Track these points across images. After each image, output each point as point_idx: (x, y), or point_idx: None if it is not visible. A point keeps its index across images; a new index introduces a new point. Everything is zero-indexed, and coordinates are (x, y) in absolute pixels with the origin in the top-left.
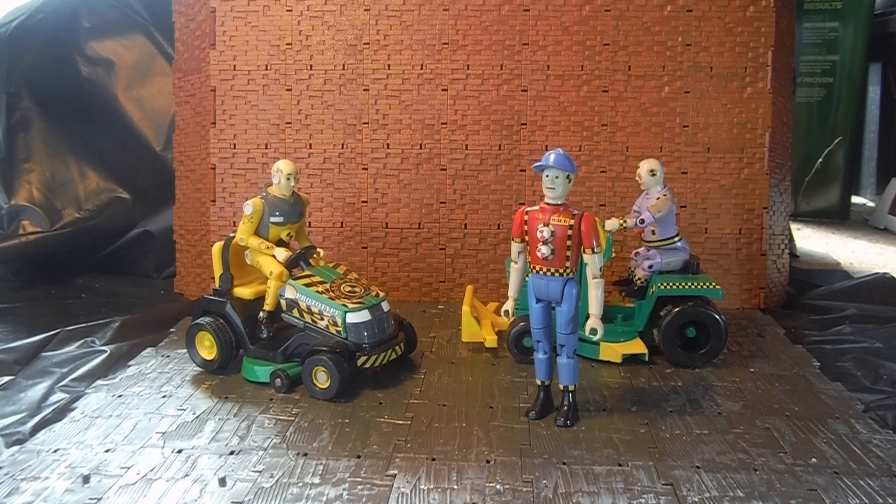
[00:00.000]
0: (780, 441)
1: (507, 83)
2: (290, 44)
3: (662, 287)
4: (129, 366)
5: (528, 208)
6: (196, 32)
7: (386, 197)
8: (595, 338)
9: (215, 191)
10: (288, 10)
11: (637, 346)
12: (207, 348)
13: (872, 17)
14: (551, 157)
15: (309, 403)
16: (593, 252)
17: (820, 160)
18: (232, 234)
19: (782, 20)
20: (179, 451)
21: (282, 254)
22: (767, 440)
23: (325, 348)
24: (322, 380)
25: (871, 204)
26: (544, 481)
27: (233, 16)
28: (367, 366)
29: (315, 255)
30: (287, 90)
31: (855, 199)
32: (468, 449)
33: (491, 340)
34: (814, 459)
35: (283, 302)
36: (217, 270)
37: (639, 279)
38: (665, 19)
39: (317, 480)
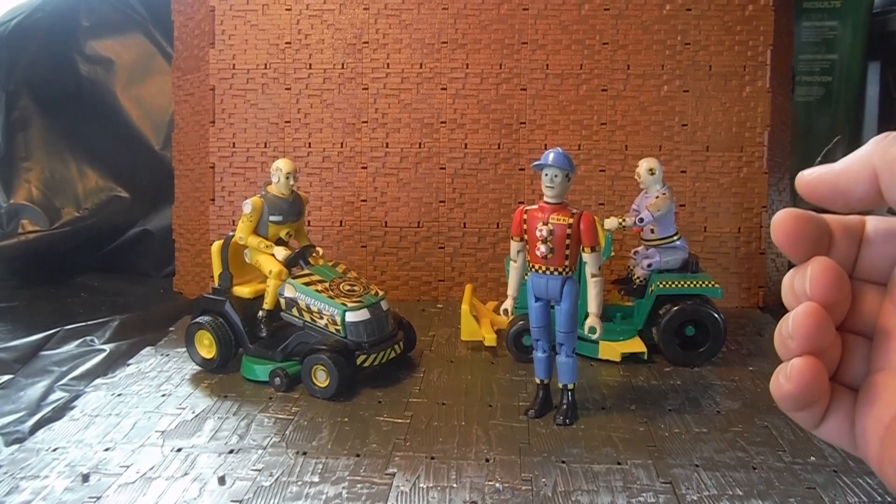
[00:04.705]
0: (778, 439)
1: (507, 82)
2: (290, 43)
3: (661, 286)
4: (128, 364)
5: (528, 207)
6: (195, 31)
7: (385, 196)
8: (594, 336)
9: (214, 189)
10: (287, 9)
11: (636, 345)
12: (207, 347)
13: (871, 16)
14: (550, 155)
15: (308, 402)
16: (592, 251)
17: (819, 159)
18: (231, 233)
19: (781, 19)
20: (179, 450)
21: (281, 252)
22: (766, 438)
23: (324, 347)
24: (321, 378)
25: None
26: (543, 480)
27: (232, 14)
28: (367, 364)
29: (314, 254)
30: (286, 89)
31: None
32: (467, 447)
33: (490, 339)
34: (812, 458)
35: (282, 301)
36: (216, 269)
37: (638, 278)
38: (664, 18)
39: (316, 479)
